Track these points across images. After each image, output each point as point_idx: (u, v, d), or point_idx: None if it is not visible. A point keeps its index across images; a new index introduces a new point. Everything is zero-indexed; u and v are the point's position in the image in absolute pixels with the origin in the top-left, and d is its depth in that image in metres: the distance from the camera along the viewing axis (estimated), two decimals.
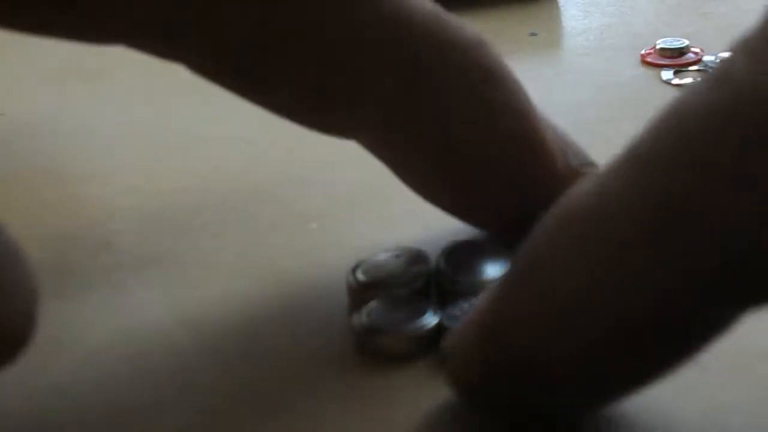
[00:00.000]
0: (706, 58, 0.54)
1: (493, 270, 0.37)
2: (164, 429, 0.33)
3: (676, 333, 0.27)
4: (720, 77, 0.25)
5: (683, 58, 0.54)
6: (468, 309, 0.32)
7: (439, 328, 0.35)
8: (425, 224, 0.42)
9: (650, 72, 0.53)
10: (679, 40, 0.55)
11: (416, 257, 0.38)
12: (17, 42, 0.63)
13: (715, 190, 0.24)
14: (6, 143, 0.51)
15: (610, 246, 0.26)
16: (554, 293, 0.27)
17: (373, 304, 0.36)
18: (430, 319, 0.35)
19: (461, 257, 0.38)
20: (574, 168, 0.36)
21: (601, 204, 0.26)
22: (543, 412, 0.31)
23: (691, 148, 0.25)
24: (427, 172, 0.36)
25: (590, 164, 0.37)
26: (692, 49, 0.54)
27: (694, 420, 0.31)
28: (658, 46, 0.54)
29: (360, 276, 0.37)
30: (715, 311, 0.27)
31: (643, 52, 0.55)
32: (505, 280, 0.30)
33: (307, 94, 0.34)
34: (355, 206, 0.44)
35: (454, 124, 0.35)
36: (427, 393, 0.33)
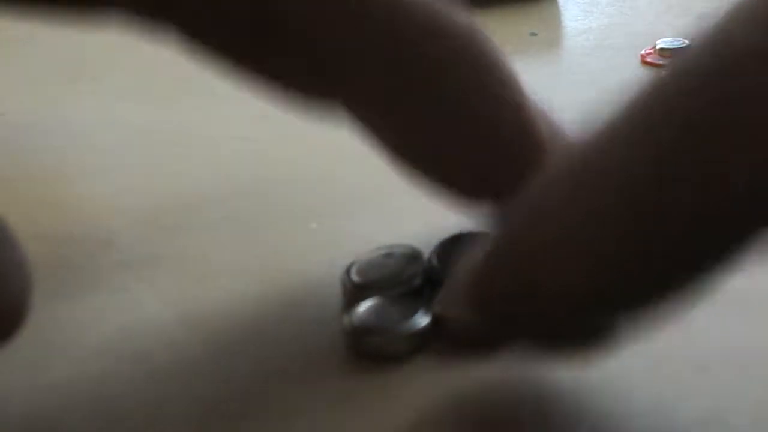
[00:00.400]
0: None
1: None
2: (164, 427, 0.33)
3: (695, 259, 0.27)
4: (717, 41, 0.25)
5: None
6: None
7: (433, 327, 0.35)
8: (425, 223, 0.42)
9: (650, 72, 0.53)
10: (679, 40, 0.55)
11: (411, 256, 0.38)
12: (17, 42, 0.63)
13: (719, 145, 0.25)
14: (6, 143, 0.51)
15: (622, 177, 0.26)
16: (567, 220, 0.28)
17: (365, 303, 0.36)
18: (423, 319, 0.35)
19: (453, 253, 0.38)
20: None
21: (603, 156, 0.27)
22: (545, 337, 0.31)
23: (695, 108, 0.25)
24: (418, 153, 0.36)
25: None
26: None
27: (695, 422, 0.32)
28: (658, 46, 0.54)
29: (353, 276, 0.37)
30: (735, 235, 0.27)
31: (643, 52, 0.55)
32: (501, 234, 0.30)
33: (302, 60, 0.34)
34: (355, 206, 0.44)
35: (444, 111, 0.34)
36: (421, 392, 0.33)
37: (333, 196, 0.45)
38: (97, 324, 0.38)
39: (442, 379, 0.34)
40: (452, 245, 0.38)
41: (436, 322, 0.34)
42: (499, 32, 0.59)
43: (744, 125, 0.25)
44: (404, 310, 0.36)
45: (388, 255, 0.38)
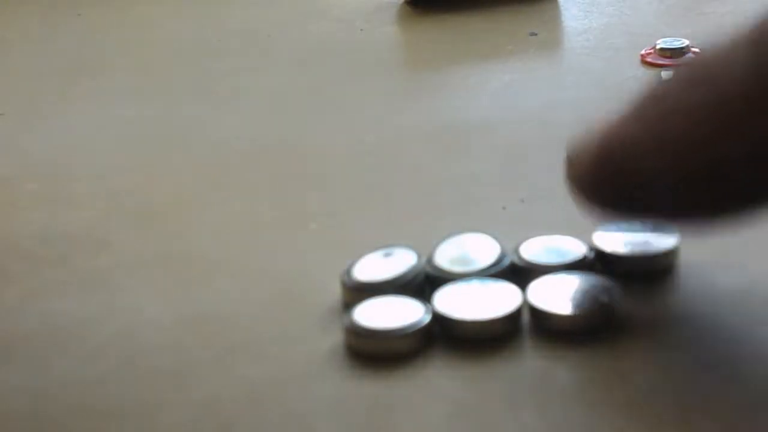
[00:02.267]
0: None
1: (484, 261, 0.37)
2: (164, 426, 0.33)
3: (760, 176, 0.32)
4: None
5: (683, 58, 0.54)
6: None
7: (431, 327, 0.35)
8: (424, 224, 0.42)
9: (650, 72, 0.53)
10: (679, 40, 0.55)
11: (409, 257, 0.38)
12: (17, 42, 0.63)
13: None
14: (6, 143, 0.51)
15: (719, 94, 0.32)
16: (667, 123, 0.33)
17: (365, 303, 0.36)
18: (423, 318, 0.35)
19: (452, 253, 0.38)
20: None
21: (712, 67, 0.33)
22: (636, 212, 0.36)
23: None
24: None
25: None
26: (692, 49, 0.54)
27: (693, 419, 0.32)
28: (658, 46, 0.54)
29: (353, 277, 0.37)
30: None
31: (643, 52, 0.55)
32: (631, 105, 0.35)
33: None
34: (355, 206, 0.44)
35: None
36: (422, 392, 0.33)
37: (333, 196, 0.45)
38: (97, 323, 0.38)
39: (442, 379, 0.34)
40: (451, 246, 0.38)
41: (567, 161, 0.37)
42: (499, 32, 0.59)
43: None
44: (404, 310, 0.36)
45: (388, 255, 0.38)
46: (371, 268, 0.38)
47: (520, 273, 0.37)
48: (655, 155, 0.34)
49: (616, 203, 0.35)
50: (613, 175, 0.35)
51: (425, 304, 0.36)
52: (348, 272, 0.38)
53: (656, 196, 0.34)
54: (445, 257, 0.38)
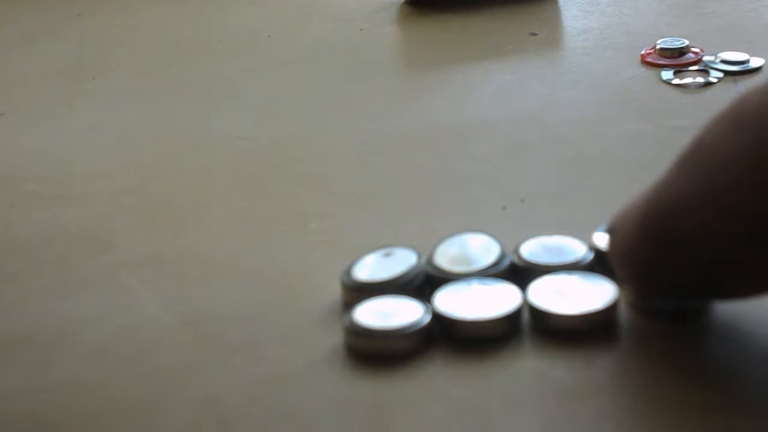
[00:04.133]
0: (706, 58, 0.54)
1: (484, 261, 0.37)
2: (164, 425, 0.33)
3: None
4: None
5: (683, 58, 0.54)
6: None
7: (432, 327, 0.35)
8: (424, 224, 0.42)
9: (650, 72, 0.53)
10: (679, 40, 0.55)
11: (409, 257, 0.38)
12: (17, 42, 0.63)
13: None
14: (6, 143, 0.51)
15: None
16: (711, 175, 0.31)
17: (365, 303, 0.36)
18: (423, 318, 0.35)
19: (452, 254, 0.38)
20: None
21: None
22: (685, 293, 0.34)
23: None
24: None
25: None
26: (692, 49, 0.54)
27: (693, 420, 0.32)
28: (658, 46, 0.54)
29: (353, 277, 0.37)
30: None
31: (643, 52, 0.55)
32: (669, 170, 0.33)
33: None
34: (355, 206, 0.44)
35: None
36: (422, 392, 0.33)
37: (333, 196, 0.45)
38: (97, 323, 0.38)
39: (442, 379, 0.34)
40: (451, 246, 0.38)
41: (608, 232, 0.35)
42: (499, 32, 0.59)
43: None
44: (404, 310, 0.36)
45: (388, 255, 0.38)
46: (371, 268, 0.38)
47: (520, 273, 0.37)
48: (702, 210, 0.32)
49: (665, 276, 0.33)
50: (660, 237, 0.33)
51: (425, 304, 0.36)
52: (348, 272, 0.38)
53: (706, 262, 0.32)
54: (445, 257, 0.38)
